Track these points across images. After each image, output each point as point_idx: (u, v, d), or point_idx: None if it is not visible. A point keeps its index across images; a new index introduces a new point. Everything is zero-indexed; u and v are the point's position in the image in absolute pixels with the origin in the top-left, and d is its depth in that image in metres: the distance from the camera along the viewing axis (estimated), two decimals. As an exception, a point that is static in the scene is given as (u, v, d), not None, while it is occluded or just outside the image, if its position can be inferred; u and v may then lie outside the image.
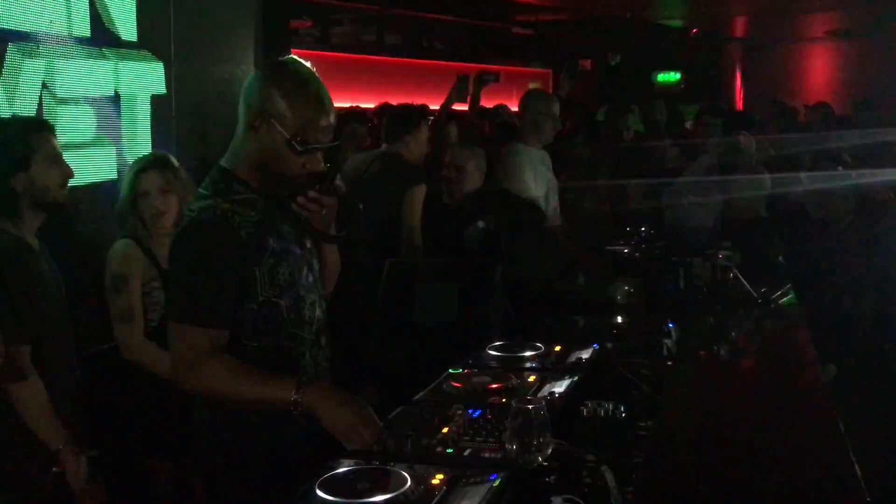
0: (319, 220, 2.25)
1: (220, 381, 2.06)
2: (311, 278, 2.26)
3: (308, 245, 2.29)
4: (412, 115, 4.48)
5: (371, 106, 6.53)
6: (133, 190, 3.01)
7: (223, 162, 2.21)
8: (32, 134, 2.61)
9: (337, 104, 2.25)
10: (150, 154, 3.22)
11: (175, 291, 2.17)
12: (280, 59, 2.21)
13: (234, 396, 2.08)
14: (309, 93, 2.11)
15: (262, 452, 2.16)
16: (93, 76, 3.31)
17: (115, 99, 3.44)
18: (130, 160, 3.50)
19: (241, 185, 2.15)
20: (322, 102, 2.12)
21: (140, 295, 2.99)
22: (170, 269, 2.22)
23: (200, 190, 2.20)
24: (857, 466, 1.78)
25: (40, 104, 3.07)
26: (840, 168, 4.73)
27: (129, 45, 3.49)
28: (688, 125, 7.80)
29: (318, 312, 2.27)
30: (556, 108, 4.68)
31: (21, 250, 2.58)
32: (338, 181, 2.27)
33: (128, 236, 3.03)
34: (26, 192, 2.57)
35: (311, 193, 2.18)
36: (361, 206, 3.88)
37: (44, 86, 3.09)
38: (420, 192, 4.17)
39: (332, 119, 2.15)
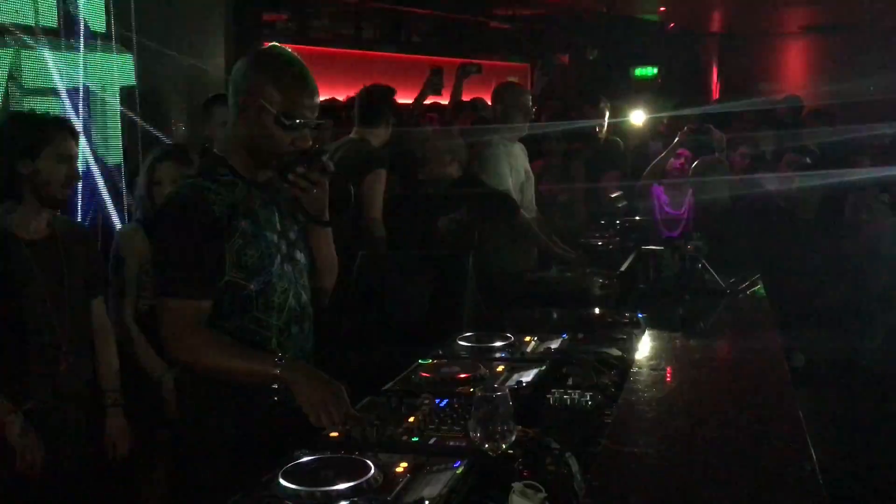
0: (311, 201, 2.28)
1: (204, 353, 2.13)
2: (288, 267, 2.28)
3: (293, 237, 2.31)
4: (385, 104, 4.49)
5: (339, 98, 6.51)
6: (149, 178, 3.15)
7: (215, 148, 2.30)
8: (50, 127, 2.69)
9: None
10: (170, 145, 3.31)
11: (156, 267, 2.24)
12: (264, 46, 2.27)
13: (217, 368, 2.15)
14: (294, 73, 2.20)
15: (235, 437, 2.18)
16: (61, 67, 3.29)
17: (84, 90, 3.42)
18: (100, 151, 3.50)
19: (227, 169, 2.22)
20: (306, 81, 2.21)
21: (135, 276, 3.17)
22: (153, 245, 2.30)
23: (189, 172, 2.25)
24: (813, 454, 1.80)
25: (7, 95, 3.04)
26: (808, 159, 4.79)
27: (97, 36, 3.46)
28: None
29: (291, 301, 2.29)
30: (528, 100, 4.69)
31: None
32: (325, 159, 2.29)
33: (136, 220, 3.21)
34: (29, 179, 2.64)
35: (299, 169, 2.21)
36: (353, 189, 3.88)
37: (10, 77, 3.07)
38: (378, 176, 4.16)
39: (316, 99, 2.23)
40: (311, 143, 2.24)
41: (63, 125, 2.76)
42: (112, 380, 2.98)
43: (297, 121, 2.17)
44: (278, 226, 2.29)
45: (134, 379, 3.11)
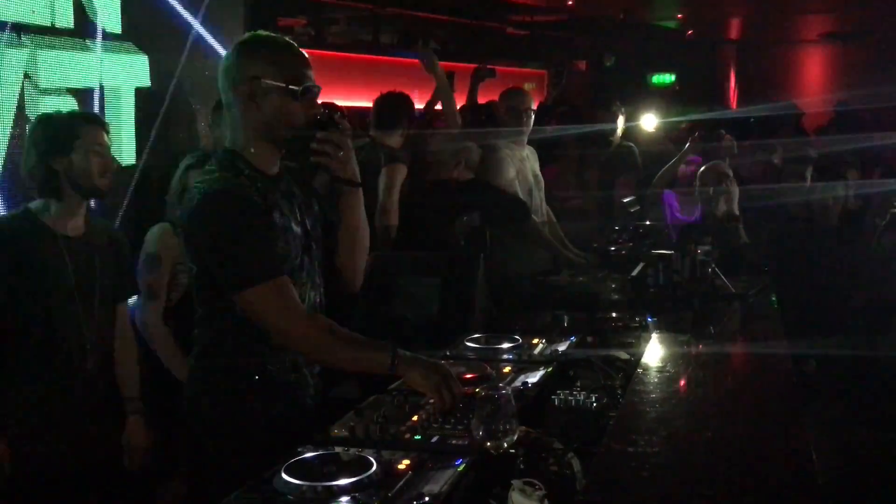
0: (340, 164, 2.28)
1: (318, 340, 2.16)
2: (306, 259, 2.30)
3: (308, 228, 2.33)
4: (401, 110, 4.55)
5: (366, 104, 6.53)
6: (182, 184, 3.18)
7: (227, 144, 2.28)
8: (78, 123, 2.78)
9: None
10: (201, 151, 3.37)
11: (223, 263, 2.14)
12: (244, 35, 2.30)
13: (330, 356, 2.21)
14: (285, 48, 2.23)
15: (250, 430, 2.19)
16: (76, 68, 3.32)
17: (99, 91, 3.45)
18: (114, 153, 3.52)
19: (245, 164, 2.22)
20: (297, 51, 2.24)
21: (168, 276, 3.20)
22: (198, 246, 2.19)
23: (207, 167, 2.26)
24: (814, 457, 1.79)
25: (22, 95, 3.08)
26: (808, 171, 4.78)
27: (113, 37, 3.49)
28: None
29: (310, 293, 2.31)
30: (524, 103, 4.70)
31: (33, 235, 2.69)
32: (338, 118, 2.30)
33: (166, 220, 3.23)
34: (66, 174, 2.73)
35: (320, 135, 2.22)
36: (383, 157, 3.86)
37: (26, 76, 3.10)
38: (396, 170, 4.20)
39: (310, 68, 2.24)
40: (321, 108, 2.26)
41: (92, 119, 2.86)
42: (134, 387, 2.99)
43: (305, 85, 2.18)
44: (299, 216, 2.30)
45: (154, 381, 3.11)
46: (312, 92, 2.22)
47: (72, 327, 2.76)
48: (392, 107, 4.59)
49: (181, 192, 3.16)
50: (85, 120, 2.83)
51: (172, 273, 3.22)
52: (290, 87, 2.17)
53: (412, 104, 4.80)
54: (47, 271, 2.71)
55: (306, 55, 2.26)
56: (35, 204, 2.76)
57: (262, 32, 2.28)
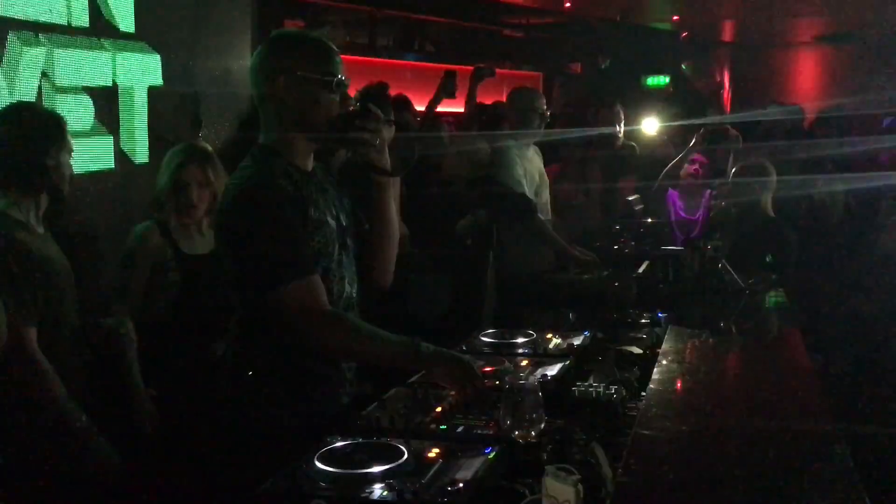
0: (377, 154, 2.31)
1: (343, 338, 2.18)
2: (343, 254, 2.32)
3: (344, 223, 2.35)
4: (381, 101, 4.52)
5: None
6: (173, 181, 3.12)
7: (261, 141, 2.30)
8: (61, 121, 2.70)
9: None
10: (190, 146, 3.28)
11: (256, 260, 2.15)
12: (272, 33, 2.33)
13: (355, 353, 2.24)
14: (315, 42, 2.27)
15: (284, 423, 2.21)
16: (91, 66, 3.34)
17: (113, 89, 3.47)
18: (127, 151, 3.55)
19: (280, 160, 2.24)
20: (329, 46, 2.27)
21: (143, 277, 3.10)
22: (231, 242, 2.21)
23: (242, 164, 2.27)
24: (844, 441, 1.82)
25: (39, 93, 3.10)
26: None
27: (127, 36, 3.52)
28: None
29: (346, 288, 2.33)
30: (542, 102, 4.72)
31: (24, 233, 2.64)
32: (373, 107, 2.32)
33: (153, 220, 3.16)
34: (53, 173, 2.65)
35: (358, 123, 2.25)
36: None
37: (43, 75, 3.12)
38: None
39: (341, 62, 2.28)
40: (354, 100, 2.30)
41: (63, 120, 2.74)
42: None
43: (339, 76, 2.22)
44: (334, 211, 2.33)
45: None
46: (345, 83, 2.25)
47: (75, 326, 2.77)
48: (373, 102, 4.51)
49: (172, 189, 3.11)
50: (62, 120, 2.70)
51: (159, 272, 3.11)
52: (325, 77, 2.20)
53: (388, 92, 4.73)
54: (46, 267, 2.65)
55: (335, 48, 2.29)
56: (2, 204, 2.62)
57: (290, 29, 2.34)
